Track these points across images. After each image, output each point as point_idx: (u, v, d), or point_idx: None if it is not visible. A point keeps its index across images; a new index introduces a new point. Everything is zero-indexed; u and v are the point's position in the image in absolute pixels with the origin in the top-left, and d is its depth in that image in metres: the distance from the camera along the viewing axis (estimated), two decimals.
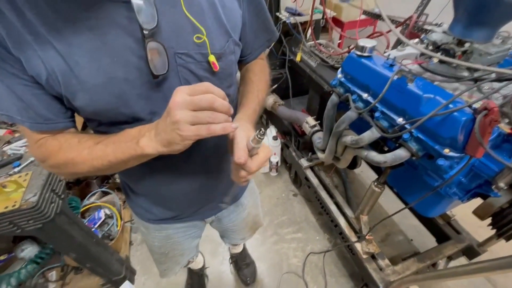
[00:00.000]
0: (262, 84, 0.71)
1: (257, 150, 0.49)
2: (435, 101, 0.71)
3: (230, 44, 0.57)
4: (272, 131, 2.05)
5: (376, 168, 1.61)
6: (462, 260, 1.49)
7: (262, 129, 0.44)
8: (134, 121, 0.53)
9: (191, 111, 0.41)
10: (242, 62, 0.71)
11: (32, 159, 1.00)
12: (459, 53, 0.78)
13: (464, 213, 1.31)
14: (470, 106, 0.65)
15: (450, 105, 0.67)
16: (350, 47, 1.44)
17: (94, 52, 0.45)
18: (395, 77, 0.76)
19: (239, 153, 0.47)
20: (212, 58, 0.53)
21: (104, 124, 0.54)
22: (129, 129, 0.50)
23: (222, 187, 0.78)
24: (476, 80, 0.75)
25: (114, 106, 0.49)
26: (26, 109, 0.47)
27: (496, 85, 0.70)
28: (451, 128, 0.67)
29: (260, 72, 0.72)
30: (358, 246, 1.26)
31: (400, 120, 0.80)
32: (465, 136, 0.66)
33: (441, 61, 0.82)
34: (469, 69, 0.79)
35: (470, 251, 1.27)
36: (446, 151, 0.70)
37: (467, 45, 0.77)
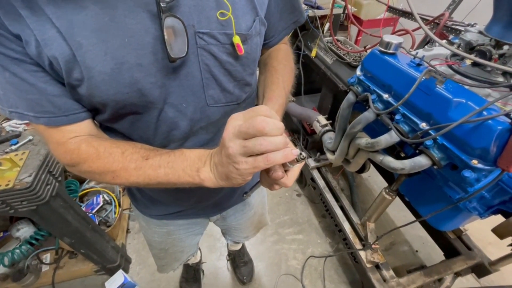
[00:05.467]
0: (288, 73, 0.63)
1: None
2: (466, 107, 0.65)
3: (257, 23, 0.49)
4: None
5: (385, 173, 1.54)
6: (470, 278, 1.43)
7: (303, 153, 0.37)
8: (144, 111, 0.47)
9: (242, 141, 0.35)
10: (263, 47, 0.63)
11: (30, 137, 0.96)
12: (495, 56, 0.71)
13: (473, 228, 1.25)
14: (507, 115, 0.59)
15: (484, 112, 0.61)
16: (367, 47, 1.37)
17: (100, 32, 0.38)
18: (423, 78, 0.69)
19: (276, 168, 0.39)
20: (237, 40, 0.46)
21: (110, 118, 0.47)
22: (187, 151, 0.44)
23: (228, 189, 0.72)
24: None
25: (125, 96, 0.43)
26: (40, 101, 0.41)
27: None
28: (484, 137, 0.61)
29: (284, 59, 0.64)
30: (362, 254, 1.20)
31: (423, 125, 0.74)
32: (499, 147, 0.60)
33: (473, 64, 0.75)
34: (505, 74, 0.72)
35: (480, 269, 1.20)
36: (474, 162, 0.64)
37: (505, 47, 0.70)
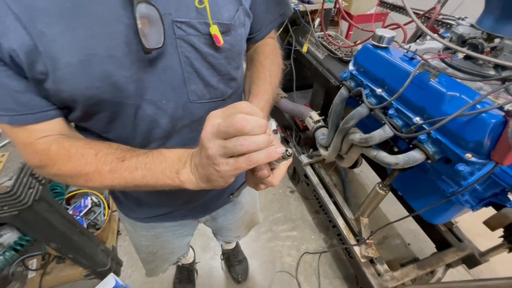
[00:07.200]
0: (275, 69, 0.61)
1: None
2: (460, 100, 0.64)
3: (241, 13, 0.47)
4: (272, 124, 1.98)
5: (377, 168, 1.55)
6: (460, 269, 1.47)
7: (289, 149, 0.35)
8: (120, 108, 0.44)
9: (222, 141, 0.32)
10: (250, 41, 0.61)
11: None
12: (487, 49, 0.71)
13: (462, 220, 1.27)
14: (501, 108, 0.59)
15: (478, 106, 0.61)
16: (357, 42, 1.36)
17: (65, 19, 0.34)
18: (417, 72, 0.68)
19: (261, 167, 0.37)
20: (214, 30, 0.43)
21: (83, 116, 0.43)
22: (166, 151, 0.41)
23: (216, 190, 0.70)
24: (504, 80, 0.69)
25: (97, 91, 0.39)
26: (1, 98, 0.37)
27: None
28: (477, 131, 0.60)
29: (271, 54, 0.62)
30: (356, 249, 1.21)
31: (417, 119, 0.73)
32: (493, 140, 0.60)
33: (466, 57, 0.75)
34: (496, 67, 0.72)
35: (471, 260, 1.22)
36: (468, 156, 0.64)
37: (497, 40, 0.70)
